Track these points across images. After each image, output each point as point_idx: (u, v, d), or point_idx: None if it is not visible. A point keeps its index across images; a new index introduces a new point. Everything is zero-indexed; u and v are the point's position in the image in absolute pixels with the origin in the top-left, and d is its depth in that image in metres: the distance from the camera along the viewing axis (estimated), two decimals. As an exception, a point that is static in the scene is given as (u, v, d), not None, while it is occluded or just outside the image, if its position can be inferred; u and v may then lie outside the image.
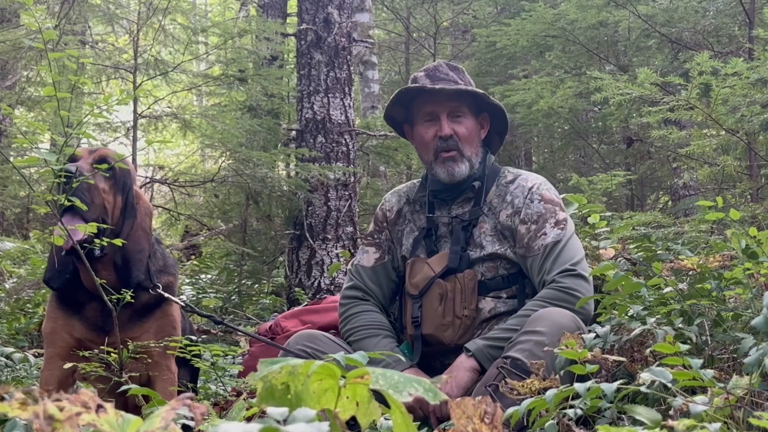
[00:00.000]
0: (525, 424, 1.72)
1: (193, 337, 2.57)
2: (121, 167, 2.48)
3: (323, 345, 2.36)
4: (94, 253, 2.31)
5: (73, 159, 2.34)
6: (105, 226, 2.31)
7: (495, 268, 2.36)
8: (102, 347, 2.39)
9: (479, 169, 2.45)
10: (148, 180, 5.58)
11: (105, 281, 2.35)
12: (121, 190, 2.52)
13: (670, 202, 7.65)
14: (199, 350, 2.42)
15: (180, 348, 2.40)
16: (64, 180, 2.17)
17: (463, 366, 2.20)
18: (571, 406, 1.58)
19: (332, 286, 4.97)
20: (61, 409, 0.80)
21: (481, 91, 2.44)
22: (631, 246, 2.85)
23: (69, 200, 2.21)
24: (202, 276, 5.61)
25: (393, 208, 2.58)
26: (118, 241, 2.31)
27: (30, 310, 4.09)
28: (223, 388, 2.78)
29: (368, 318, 2.48)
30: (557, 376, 1.77)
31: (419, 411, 2.20)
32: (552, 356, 1.94)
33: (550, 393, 1.55)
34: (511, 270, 2.36)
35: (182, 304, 2.53)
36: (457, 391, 2.16)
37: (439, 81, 2.43)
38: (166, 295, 2.47)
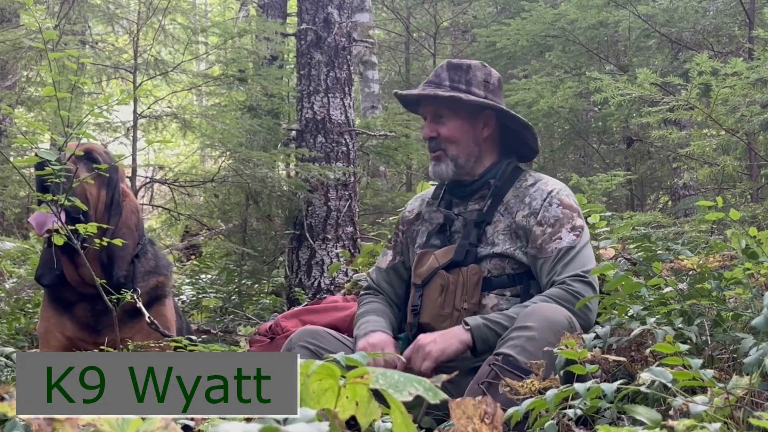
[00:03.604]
0: (519, 420, 1.71)
1: (193, 337, 2.57)
2: (107, 163, 2.47)
3: (326, 342, 2.35)
4: (75, 247, 2.27)
5: None
6: (89, 228, 2.26)
7: (502, 267, 2.37)
8: (102, 347, 2.39)
9: (494, 169, 2.47)
10: (148, 180, 5.58)
11: (88, 277, 2.34)
12: (106, 185, 2.51)
13: (670, 202, 7.65)
14: (199, 350, 2.42)
15: (179, 348, 2.39)
16: (48, 169, 2.16)
17: (456, 336, 2.21)
18: (571, 407, 1.58)
19: (332, 286, 4.97)
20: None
21: (447, 93, 2.43)
22: (631, 246, 2.85)
23: (44, 188, 2.20)
24: (202, 276, 5.61)
25: (413, 210, 2.65)
26: (95, 236, 2.28)
27: (30, 310, 4.09)
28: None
29: (370, 306, 2.55)
30: (557, 376, 1.77)
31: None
32: (542, 349, 1.94)
33: (550, 393, 1.54)
34: (518, 270, 2.37)
35: (149, 319, 2.47)
36: (438, 354, 2.17)
37: (428, 84, 2.49)
38: (139, 304, 2.44)
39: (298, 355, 2.25)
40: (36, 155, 2.15)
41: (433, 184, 4.26)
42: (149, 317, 2.45)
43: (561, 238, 2.31)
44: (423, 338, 2.23)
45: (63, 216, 2.29)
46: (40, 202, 2.28)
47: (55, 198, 2.20)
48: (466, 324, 2.22)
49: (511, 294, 2.35)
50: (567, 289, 2.22)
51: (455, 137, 2.45)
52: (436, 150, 2.46)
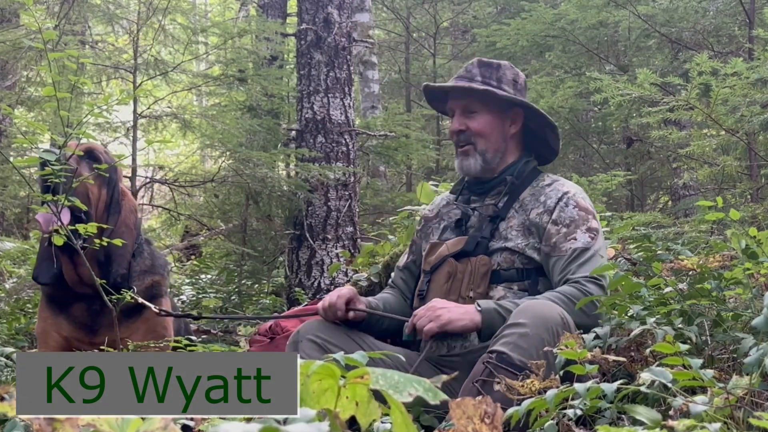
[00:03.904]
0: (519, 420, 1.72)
1: (193, 337, 2.56)
2: (107, 162, 2.48)
3: (334, 335, 2.35)
4: (75, 247, 2.27)
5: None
6: (89, 228, 2.25)
7: (512, 260, 2.39)
8: (100, 347, 2.39)
9: (513, 167, 2.49)
10: (148, 180, 5.57)
11: (87, 276, 2.34)
12: (106, 184, 2.51)
13: (670, 202, 7.65)
14: (199, 350, 2.42)
15: (179, 348, 2.39)
16: (48, 168, 2.16)
17: (469, 314, 2.23)
18: (571, 407, 1.58)
19: (332, 286, 4.97)
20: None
21: (482, 87, 2.45)
22: (631, 246, 2.85)
23: (47, 185, 2.19)
24: (202, 276, 5.61)
25: (434, 209, 2.69)
26: (95, 236, 2.28)
27: (30, 310, 4.09)
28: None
29: (378, 295, 2.64)
30: (557, 376, 1.77)
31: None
32: (535, 345, 1.96)
33: (550, 393, 1.54)
34: (528, 265, 2.39)
35: (156, 309, 2.48)
36: (445, 322, 2.20)
37: (459, 79, 2.51)
38: (140, 299, 2.44)
39: (305, 348, 2.28)
40: (39, 156, 2.16)
41: (433, 185, 4.28)
42: (156, 307, 2.46)
43: (576, 239, 2.32)
44: (438, 302, 2.27)
45: (68, 215, 2.30)
46: (43, 202, 2.28)
47: (55, 198, 2.20)
48: (479, 305, 2.24)
49: (519, 288, 2.37)
50: (580, 288, 2.23)
51: (485, 131, 2.47)
52: (465, 144, 2.48)
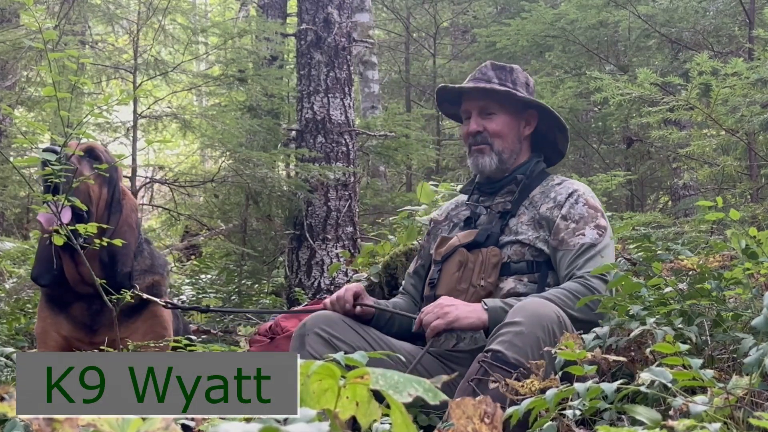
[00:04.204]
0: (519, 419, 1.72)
1: (193, 337, 2.56)
2: (108, 161, 2.48)
3: (340, 330, 2.35)
4: (75, 246, 2.27)
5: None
6: (89, 228, 2.25)
7: (522, 253, 2.41)
8: (100, 347, 2.38)
9: (524, 167, 2.53)
10: (148, 180, 5.57)
11: (88, 276, 2.34)
12: (107, 183, 2.51)
13: (670, 202, 7.65)
14: (199, 350, 2.41)
15: (179, 348, 2.39)
16: (49, 168, 2.16)
17: (476, 312, 2.24)
18: (570, 407, 1.58)
19: (332, 286, 4.97)
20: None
21: (503, 89, 2.48)
22: (631, 246, 2.85)
23: (49, 184, 2.19)
24: (202, 276, 5.61)
25: (442, 213, 2.73)
26: (96, 235, 2.28)
27: (30, 310, 4.09)
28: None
29: (391, 301, 2.66)
30: (557, 376, 1.77)
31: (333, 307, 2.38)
32: (530, 344, 1.96)
33: (549, 393, 1.54)
34: (538, 258, 2.41)
35: (162, 303, 2.50)
36: (452, 319, 2.21)
37: (476, 81, 2.54)
38: (145, 295, 2.44)
39: (312, 342, 2.30)
40: (40, 156, 2.16)
41: (433, 185, 4.28)
42: (164, 300, 2.46)
43: (584, 234, 2.36)
44: (446, 299, 2.28)
45: (68, 214, 2.30)
46: (44, 202, 2.28)
47: (55, 198, 2.20)
48: (485, 304, 2.25)
49: (529, 280, 2.39)
50: (585, 284, 2.24)
51: (503, 132, 2.51)
52: (482, 144, 2.51)
